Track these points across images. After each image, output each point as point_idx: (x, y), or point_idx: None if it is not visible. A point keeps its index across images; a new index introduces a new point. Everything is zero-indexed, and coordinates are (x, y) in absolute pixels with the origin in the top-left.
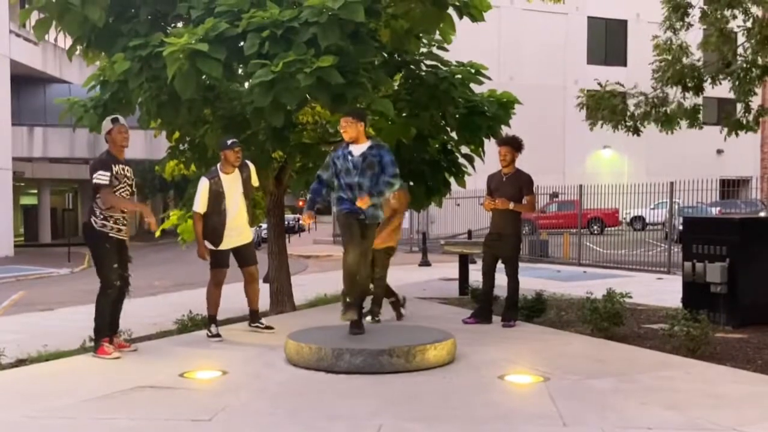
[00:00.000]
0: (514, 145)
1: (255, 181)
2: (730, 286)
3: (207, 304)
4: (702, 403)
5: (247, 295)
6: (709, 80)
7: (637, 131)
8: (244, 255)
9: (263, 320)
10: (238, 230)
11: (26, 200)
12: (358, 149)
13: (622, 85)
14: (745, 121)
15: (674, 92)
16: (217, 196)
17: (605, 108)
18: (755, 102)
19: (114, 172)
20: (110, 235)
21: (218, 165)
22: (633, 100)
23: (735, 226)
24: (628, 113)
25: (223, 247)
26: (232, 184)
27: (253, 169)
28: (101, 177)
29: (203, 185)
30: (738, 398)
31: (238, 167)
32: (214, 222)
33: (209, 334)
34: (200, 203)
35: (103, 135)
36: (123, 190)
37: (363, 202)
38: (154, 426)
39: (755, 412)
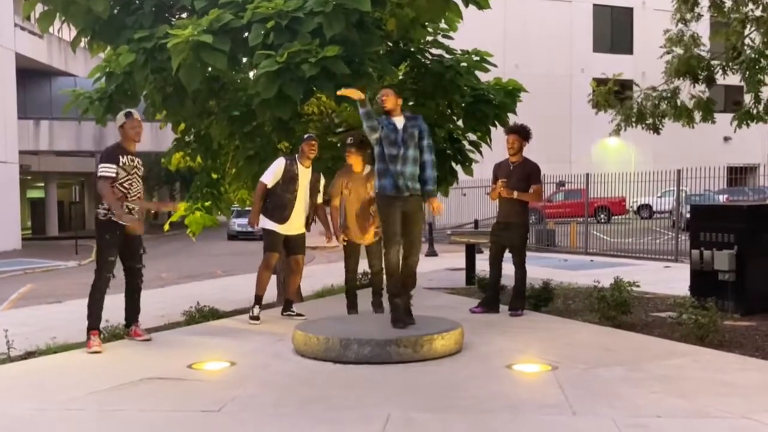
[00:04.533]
0: (522, 133)
1: (321, 191)
2: (738, 273)
3: (256, 284)
4: (711, 391)
5: (287, 282)
6: (720, 71)
7: (656, 130)
8: (294, 244)
9: (294, 308)
10: (298, 219)
11: (33, 194)
12: (398, 122)
13: (637, 85)
14: (755, 112)
15: (686, 85)
16: (291, 178)
17: (622, 112)
18: (765, 92)
19: (121, 164)
20: (113, 220)
21: (296, 155)
22: (639, 94)
23: (743, 214)
24: (648, 112)
25: (282, 231)
26: (304, 176)
27: (323, 181)
28: (105, 170)
29: (280, 162)
30: (747, 386)
31: (312, 169)
32: (285, 199)
33: (251, 314)
34: (271, 176)
35: (116, 127)
36: (132, 180)
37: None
38: (163, 417)
39: (765, 399)
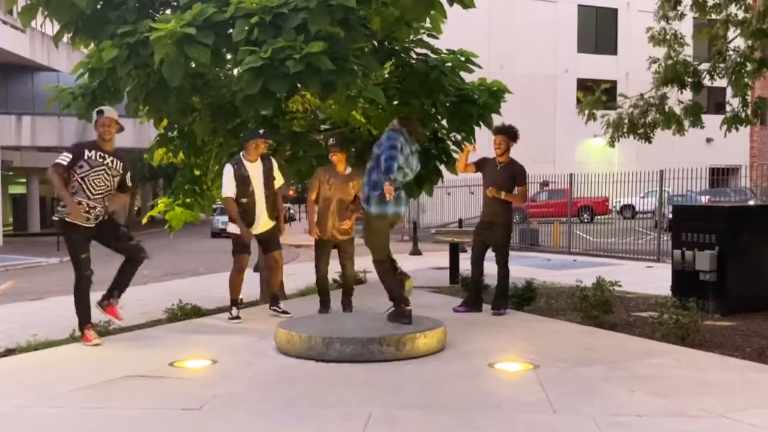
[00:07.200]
0: (510, 134)
1: (278, 176)
2: (719, 274)
3: (230, 288)
4: (691, 391)
5: (268, 279)
6: (707, 76)
7: (648, 138)
8: (268, 241)
9: (281, 304)
10: (263, 216)
11: (15, 189)
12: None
13: (623, 95)
14: (744, 115)
15: (673, 92)
16: (243, 180)
17: (613, 124)
18: (751, 94)
19: (86, 157)
20: (75, 223)
21: (241, 153)
22: (626, 103)
23: (724, 215)
24: (639, 122)
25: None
26: (255, 171)
27: (276, 164)
28: (60, 157)
29: (228, 170)
30: (727, 385)
31: (261, 159)
32: (244, 205)
33: (230, 316)
34: (229, 186)
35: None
36: (96, 177)
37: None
38: (144, 415)
39: (744, 399)
